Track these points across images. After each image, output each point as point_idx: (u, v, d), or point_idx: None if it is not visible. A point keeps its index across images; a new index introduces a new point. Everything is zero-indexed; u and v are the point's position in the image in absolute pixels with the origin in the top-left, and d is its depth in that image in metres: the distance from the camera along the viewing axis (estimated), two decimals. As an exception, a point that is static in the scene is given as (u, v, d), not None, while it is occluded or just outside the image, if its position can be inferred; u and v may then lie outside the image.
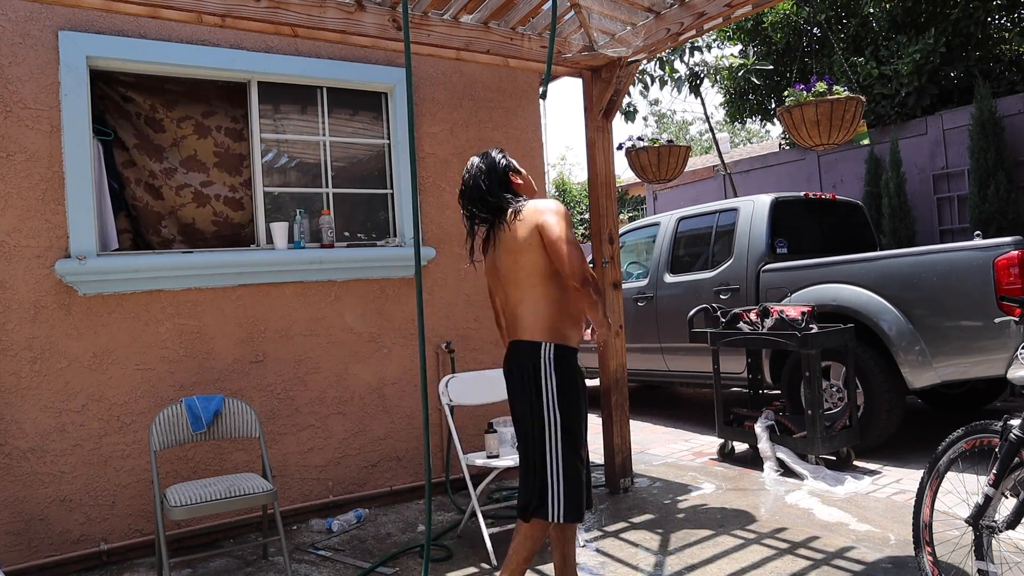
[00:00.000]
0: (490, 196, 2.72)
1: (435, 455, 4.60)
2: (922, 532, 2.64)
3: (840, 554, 3.29)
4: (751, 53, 10.50)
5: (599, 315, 2.59)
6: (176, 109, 4.24)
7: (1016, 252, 4.19)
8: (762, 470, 4.66)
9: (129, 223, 4.27)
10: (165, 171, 4.23)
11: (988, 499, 2.43)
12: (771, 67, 9.95)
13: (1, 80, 3.55)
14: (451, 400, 3.89)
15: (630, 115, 9.44)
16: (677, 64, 9.34)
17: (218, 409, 3.55)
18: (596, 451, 5.33)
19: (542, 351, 2.58)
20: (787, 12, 10.15)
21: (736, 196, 9.00)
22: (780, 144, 12.09)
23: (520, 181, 2.79)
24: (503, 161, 2.79)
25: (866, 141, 4.70)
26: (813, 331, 4.51)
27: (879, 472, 4.51)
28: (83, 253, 3.64)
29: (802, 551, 3.36)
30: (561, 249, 2.50)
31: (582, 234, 22.19)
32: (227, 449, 4.00)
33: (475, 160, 2.81)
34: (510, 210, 2.67)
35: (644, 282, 6.61)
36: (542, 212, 2.58)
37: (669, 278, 6.38)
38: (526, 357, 2.60)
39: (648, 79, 9.39)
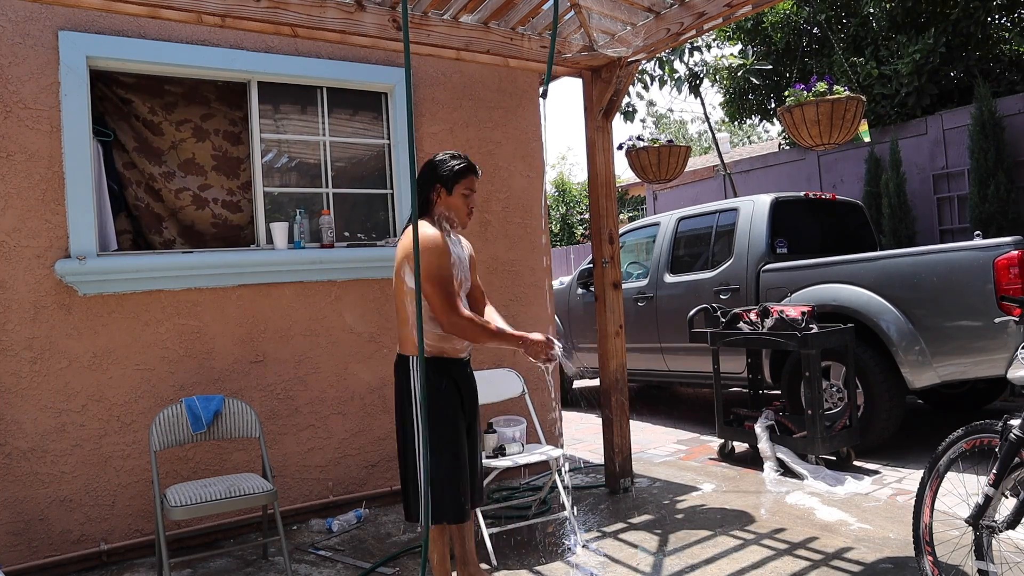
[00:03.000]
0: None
1: (435, 455, 4.60)
2: (922, 532, 2.65)
3: (840, 554, 3.29)
4: (750, 53, 10.49)
5: (497, 341, 2.70)
6: (175, 112, 4.24)
7: (1016, 252, 4.19)
8: (762, 470, 4.66)
9: (129, 224, 4.27)
10: (164, 174, 4.23)
11: (988, 499, 2.43)
12: (770, 67, 9.95)
13: (1, 80, 3.55)
14: (451, 400, 3.88)
15: (629, 115, 9.45)
16: (677, 64, 9.34)
17: (218, 409, 3.55)
18: (596, 451, 5.33)
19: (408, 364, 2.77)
20: (787, 12, 10.15)
21: (736, 196, 9.00)
22: (780, 144, 12.09)
23: (436, 197, 2.80)
24: (442, 170, 2.81)
25: (867, 138, 4.68)
26: (813, 331, 4.51)
27: (879, 472, 4.51)
28: (83, 253, 3.64)
29: (802, 551, 3.36)
30: (426, 291, 2.63)
31: (581, 235, 22.18)
32: (227, 449, 4.00)
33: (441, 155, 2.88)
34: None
35: (644, 282, 6.61)
36: (405, 248, 2.69)
37: (669, 278, 6.38)
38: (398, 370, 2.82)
39: (647, 79, 9.39)
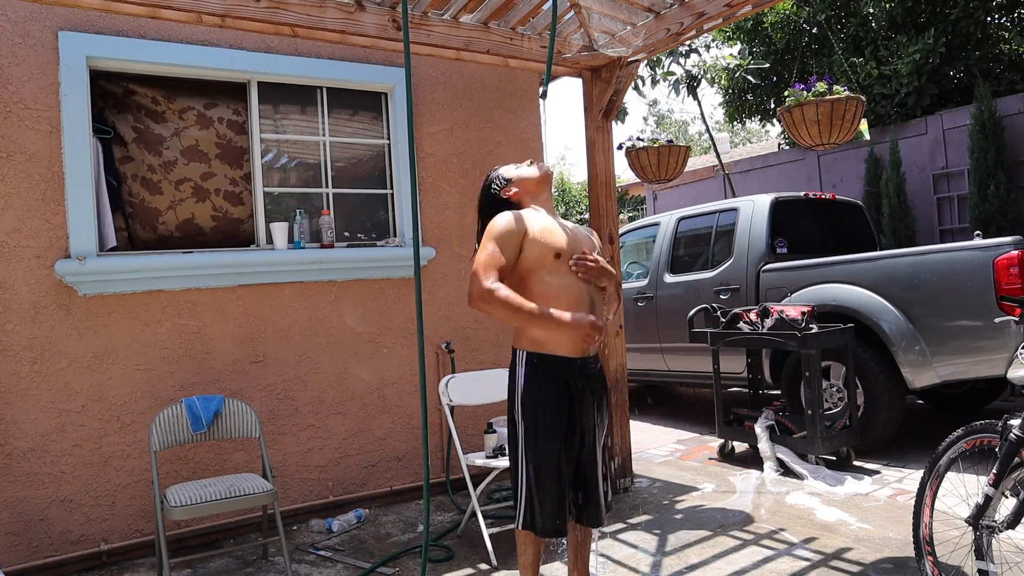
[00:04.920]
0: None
1: (435, 455, 4.60)
2: (922, 533, 2.65)
3: (840, 555, 3.29)
4: (749, 52, 10.49)
5: (530, 323, 2.41)
6: (177, 101, 4.23)
7: (1016, 252, 4.19)
8: (762, 470, 4.66)
9: (127, 220, 4.25)
10: (164, 164, 4.21)
11: (988, 499, 2.43)
12: (767, 65, 9.93)
13: (1, 80, 3.55)
14: (451, 400, 3.89)
15: (619, 115, 9.43)
16: (673, 66, 9.33)
17: (218, 409, 3.55)
18: (596, 451, 5.32)
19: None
20: (787, 12, 10.15)
21: (735, 196, 8.99)
22: (779, 144, 12.09)
23: (514, 190, 2.63)
24: (493, 183, 2.69)
25: (867, 136, 4.66)
26: (813, 331, 4.51)
27: (879, 472, 4.51)
28: (83, 253, 3.64)
29: (801, 552, 3.36)
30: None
31: (582, 234, 22.16)
32: (227, 449, 4.00)
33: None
34: None
35: (644, 282, 6.61)
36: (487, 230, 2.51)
37: (669, 278, 6.38)
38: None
39: (640, 80, 9.38)
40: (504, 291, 2.36)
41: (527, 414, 2.48)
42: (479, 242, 2.55)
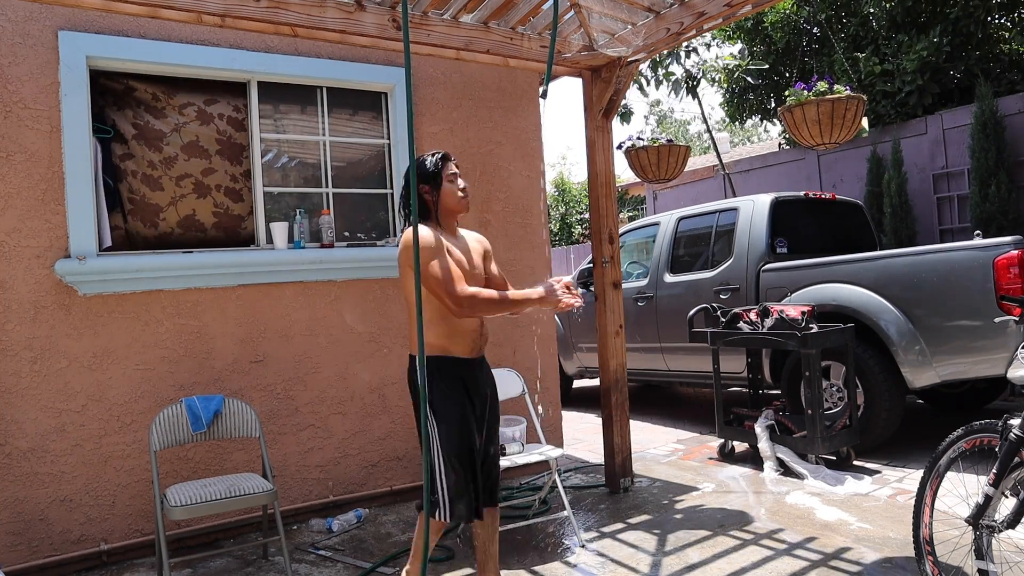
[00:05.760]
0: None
1: (435, 455, 4.60)
2: (922, 533, 2.65)
3: (839, 554, 3.29)
4: (749, 53, 10.49)
5: (512, 309, 2.70)
6: (177, 96, 4.22)
7: (1016, 252, 4.19)
8: (762, 470, 4.66)
9: (124, 218, 4.24)
10: (165, 160, 4.20)
11: (988, 499, 2.43)
12: (766, 66, 9.94)
13: (1, 80, 3.55)
14: (451, 400, 3.88)
15: (625, 116, 9.43)
16: (674, 67, 9.34)
17: (218, 409, 3.55)
18: (596, 451, 5.33)
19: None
20: (787, 12, 10.15)
21: (735, 196, 8.99)
22: (780, 144, 12.08)
23: (428, 198, 2.79)
24: (421, 171, 2.79)
25: (866, 134, 4.67)
26: (813, 331, 4.51)
27: (879, 472, 4.51)
28: (83, 253, 3.65)
29: (801, 551, 3.36)
30: (429, 289, 2.62)
31: (579, 234, 22.18)
32: (227, 449, 4.00)
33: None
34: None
35: (644, 282, 6.61)
36: (401, 251, 2.72)
37: (669, 278, 6.38)
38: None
39: (643, 80, 9.38)
40: (481, 291, 2.66)
41: (438, 412, 2.69)
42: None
